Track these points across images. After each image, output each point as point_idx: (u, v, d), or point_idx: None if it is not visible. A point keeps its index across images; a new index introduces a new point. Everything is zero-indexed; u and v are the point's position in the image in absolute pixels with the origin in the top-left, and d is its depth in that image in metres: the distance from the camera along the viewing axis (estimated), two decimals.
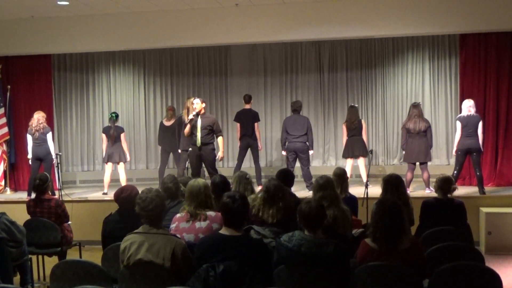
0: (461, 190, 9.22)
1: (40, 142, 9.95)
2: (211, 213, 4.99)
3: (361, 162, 10.15)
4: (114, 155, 10.20)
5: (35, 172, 9.55)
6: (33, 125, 9.99)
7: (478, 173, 9.15)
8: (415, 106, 9.68)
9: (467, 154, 9.24)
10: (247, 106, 10.72)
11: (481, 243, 8.42)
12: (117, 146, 10.22)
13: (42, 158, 9.98)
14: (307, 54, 12.34)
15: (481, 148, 9.25)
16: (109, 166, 10.35)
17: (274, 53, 12.42)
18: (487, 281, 4.05)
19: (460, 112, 9.53)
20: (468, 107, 9.23)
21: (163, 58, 12.57)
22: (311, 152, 10.25)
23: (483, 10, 9.80)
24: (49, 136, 10.05)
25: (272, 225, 4.98)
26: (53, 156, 10.00)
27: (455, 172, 9.19)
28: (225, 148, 12.41)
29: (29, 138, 10.04)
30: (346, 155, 10.27)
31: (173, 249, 4.18)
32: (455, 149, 9.31)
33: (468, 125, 9.11)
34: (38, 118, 10.04)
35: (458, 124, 9.23)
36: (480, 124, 9.15)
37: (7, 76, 11.37)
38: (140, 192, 4.59)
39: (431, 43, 11.59)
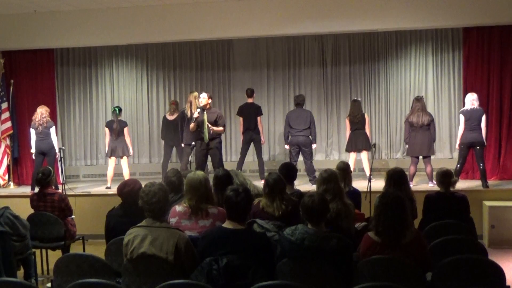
0: (464, 184, 9.23)
1: (44, 136, 9.96)
2: (213, 210, 4.94)
3: (364, 155, 10.14)
4: (117, 149, 10.20)
5: (39, 167, 9.54)
6: (37, 119, 10.00)
7: (481, 167, 9.14)
8: (418, 99, 9.65)
9: (470, 148, 9.23)
10: (250, 100, 10.72)
11: (484, 236, 8.41)
12: (120, 140, 10.23)
13: (46, 152, 9.99)
14: (310, 48, 12.33)
15: (484, 141, 9.23)
16: (112, 160, 10.35)
17: (277, 47, 12.41)
18: (490, 275, 4.05)
19: (463, 106, 9.51)
20: (472, 100, 9.21)
21: (166, 52, 12.57)
22: (314, 145, 10.25)
23: (487, 3, 9.76)
24: (52, 130, 10.06)
25: (279, 218, 4.97)
26: (57, 150, 10.01)
27: (458, 165, 9.19)
28: (228, 142, 12.50)
29: (32, 132, 10.05)
30: (349, 148, 10.25)
31: (176, 243, 4.18)
32: (458, 142, 9.30)
33: (471, 118, 9.09)
34: (42, 112, 10.05)
35: (461, 118, 9.21)
36: (483, 118, 9.14)
37: (10, 71, 11.37)
38: (143, 186, 4.59)
39: (434, 36, 11.57)
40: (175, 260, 4.16)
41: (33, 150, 10.11)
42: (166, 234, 4.24)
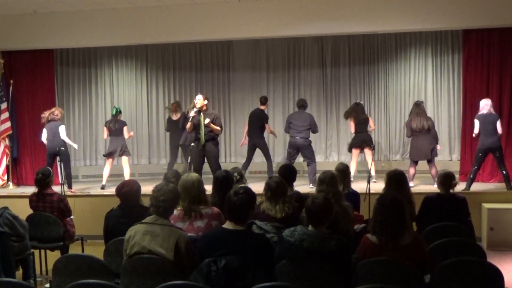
0: (464, 186, 9.21)
1: (54, 136, 9.94)
2: (207, 211, 4.97)
3: (368, 153, 10.21)
4: (116, 150, 10.26)
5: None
6: (46, 115, 10.02)
7: (504, 171, 9.09)
8: (418, 104, 9.72)
9: (487, 154, 9.21)
10: (262, 107, 10.72)
11: (483, 239, 8.41)
12: (119, 140, 10.28)
13: (56, 153, 9.96)
14: (309, 50, 12.34)
15: (500, 144, 9.16)
16: (109, 160, 10.42)
17: (277, 49, 12.42)
18: (488, 277, 4.05)
19: (463, 109, 9.55)
20: (485, 105, 9.18)
21: (166, 53, 12.58)
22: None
23: (487, 5, 9.76)
24: (61, 129, 10.02)
25: (280, 221, 4.97)
26: (67, 141, 10.04)
27: (473, 170, 9.15)
28: (227, 143, 12.52)
29: (45, 131, 10.07)
30: (352, 145, 10.34)
31: (176, 240, 4.21)
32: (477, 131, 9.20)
33: (486, 123, 9.06)
34: (53, 111, 10.07)
35: (476, 122, 9.16)
36: (498, 122, 9.10)
37: (10, 71, 11.36)
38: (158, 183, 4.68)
39: (434, 38, 11.59)
40: (175, 257, 4.17)
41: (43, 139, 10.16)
42: (168, 232, 4.27)
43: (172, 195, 4.45)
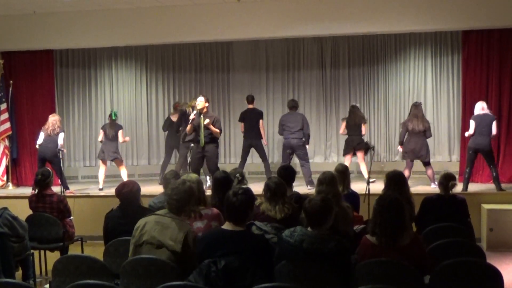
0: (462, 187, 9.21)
1: (50, 142, 9.87)
2: (207, 211, 4.99)
3: (360, 157, 10.20)
4: (107, 152, 10.24)
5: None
6: (48, 128, 9.95)
7: (494, 173, 9.13)
8: (416, 106, 9.73)
9: (477, 153, 9.23)
10: (250, 106, 10.73)
11: (482, 239, 8.42)
12: (113, 144, 10.27)
13: (49, 160, 9.91)
14: (309, 51, 12.34)
15: (490, 147, 9.19)
16: (102, 163, 10.42)
17: (276, 49, 12.42)
18: (488, 278, 4.04)
19: (462, 110, 9.55)
20: (482, 105, 9.20)
21: (165, 54, 12.58)
22: (307, 146, 10.30)
23: (486, 6, 9.77)
24: (60, 136, 9.98)
25: (279, 221, 4.97)
26: (58, 147, 9.97)
27: (467, 172, 9.17)
28: (226, 144, 12.51)
29: (42, 135, 10.02)
30: (347, 151, 10.34)
31: (186, 234, 4.26)
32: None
33: (481, 124, 9.07)
34: (54, 120, 10.01)
35: (472, 123, 9.16)
36: (494, 123, 9.11)
37: (9, 72, 11.36)
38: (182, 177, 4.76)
39: (433, 39, 11.58)
40: (182, 249, 4.21)
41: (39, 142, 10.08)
42: (178, 225, 4.34)
43: (186, 195, 4.51)
